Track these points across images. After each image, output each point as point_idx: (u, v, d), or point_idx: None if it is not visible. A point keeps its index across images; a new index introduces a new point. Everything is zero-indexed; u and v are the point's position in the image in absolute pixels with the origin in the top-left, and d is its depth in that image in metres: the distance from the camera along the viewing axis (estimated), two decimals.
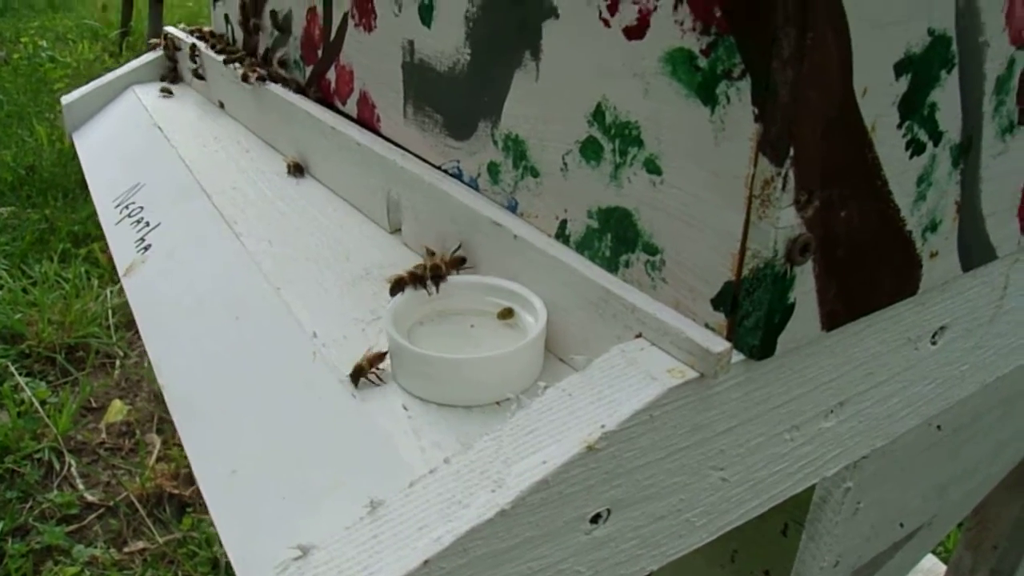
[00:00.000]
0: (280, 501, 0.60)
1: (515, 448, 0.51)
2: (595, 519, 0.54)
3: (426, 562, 0.46)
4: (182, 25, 1.66)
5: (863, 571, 0.96)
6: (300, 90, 1.15)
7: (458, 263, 0.74)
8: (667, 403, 0.53)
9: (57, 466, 2.25)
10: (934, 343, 0.72)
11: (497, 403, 0.63)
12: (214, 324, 0.82)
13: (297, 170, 1.08)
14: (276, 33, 1.22)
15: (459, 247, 0.77)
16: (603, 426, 0.51)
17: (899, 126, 0.56)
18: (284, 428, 0.66)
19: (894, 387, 0.71)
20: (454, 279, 0.72)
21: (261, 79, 1.19)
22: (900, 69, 0.54)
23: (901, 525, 0.93)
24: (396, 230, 0.91)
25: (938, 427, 0.87)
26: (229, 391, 0.73)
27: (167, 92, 1.54)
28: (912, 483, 0.89)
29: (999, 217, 0.68)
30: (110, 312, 2.85)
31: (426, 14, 0.82)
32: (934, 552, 1.73)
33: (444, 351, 0.64)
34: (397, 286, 0.70)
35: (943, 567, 1.62)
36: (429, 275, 0.70)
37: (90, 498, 2.16)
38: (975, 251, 0.68)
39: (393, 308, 0.68)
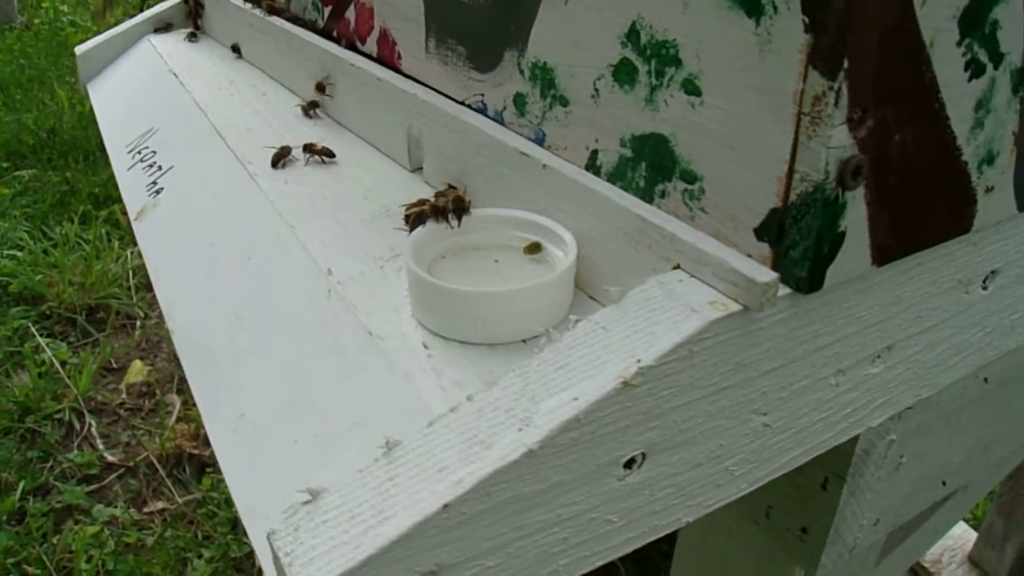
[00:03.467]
0: (292, 444, 0.57)
1: (544, 384, 0.47)
2: (629, 464, 0.50)
3: (446, 506, 0.43)
4: None
5: (898, 533, 0.93)
6: (318, 31, 1.11)
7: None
8: (708, 337, 0.49)
9: (77, 426, 2.24)
10: (985, 288, 0.68)
11: (523, 341, 0.59)
12: (226, 265, 0.79)
13: (312, 107, 1.04)
14: None
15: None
16: (639, 361, 0.47)
17: (959, 43, 0.52)
18: (297, 369, 0.63)
19: (943, 333, 0.67)
20: (478, 212, 0.68)
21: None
22: None
23: (943, 483, 0.90)
24: (417, 168, 0.87)
25: (984, 380, 0.83)
26: (240, 333, 0.69)
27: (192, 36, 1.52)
28: (956, 438, 0.85)
29: None
30: (131, 273, 2.83)
31: None
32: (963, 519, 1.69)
33: (468, 286, 0.60)
34: (418, 219, 0.67)
35: (974, 534, 1.59)
36: (451, 207, 0.66)
37: (110, 458, 2.14)
38: None
39: (413, 241, 0.64)
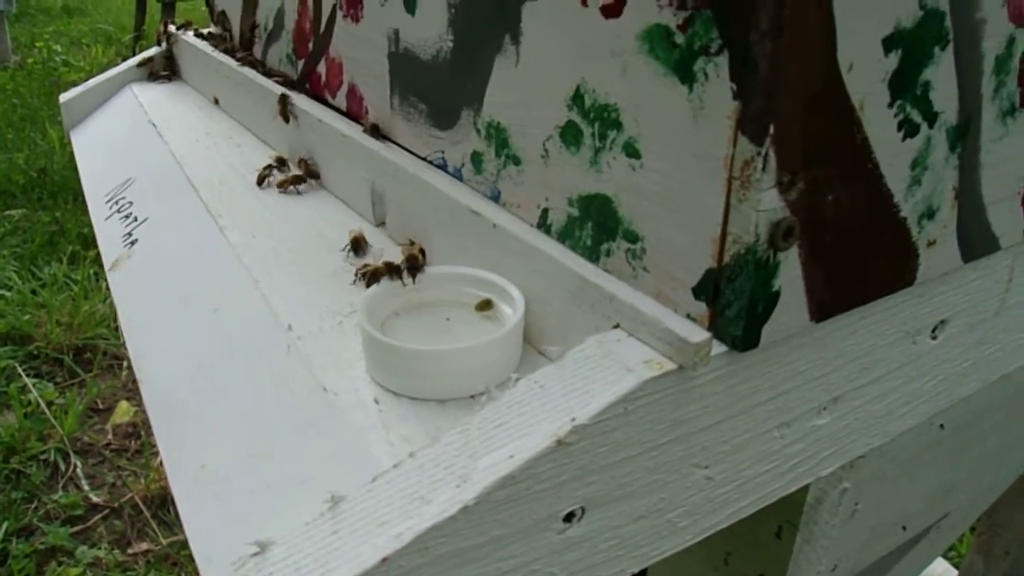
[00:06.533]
0: (247, 496, 0.58)
1: (483, 442, 0.49)
2: (568, 518, 0.51)
3: (384, 560, 0.44)
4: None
5: (867, 574, 0.93)
6: (293, 85, 1.12)
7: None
8: (643, 396, 0.50)
9: (63, 467, 2.25)
10: (934, 337, 0.69)
11: (472, 397, 0.61)
12: (193, 318, 0.80)
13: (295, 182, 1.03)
14: (270, 27, 1.20)
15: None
16: (574, 419, 0.48)
17: (890, 105, 0.53)
18: (255, 422, 0.64)
19: (892, 383, 0.68)
20: (431, 270, 0.70)
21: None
22: (889, 44, 0.51)
23: (903, 528, 0.90)
24: (381, 223, 0.88)
25: (940, 426, 0.84)
26: (203, 385, 0.71)
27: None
28: (914, 484, 0.86)
29: (1002, 205, 0.65)
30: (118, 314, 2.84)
31: (410, 2, 0.79)
32: (945, 556, 1.69)
33: (418, 343, 0.61)
34: (373, 277, 0.68)
35: (954, 572, 1.59)
36: (405, 265, 0.68)
37: (95, 499, 2.14)
38: (977, 241, 0.65)
39: (367, 298, 0.66)
